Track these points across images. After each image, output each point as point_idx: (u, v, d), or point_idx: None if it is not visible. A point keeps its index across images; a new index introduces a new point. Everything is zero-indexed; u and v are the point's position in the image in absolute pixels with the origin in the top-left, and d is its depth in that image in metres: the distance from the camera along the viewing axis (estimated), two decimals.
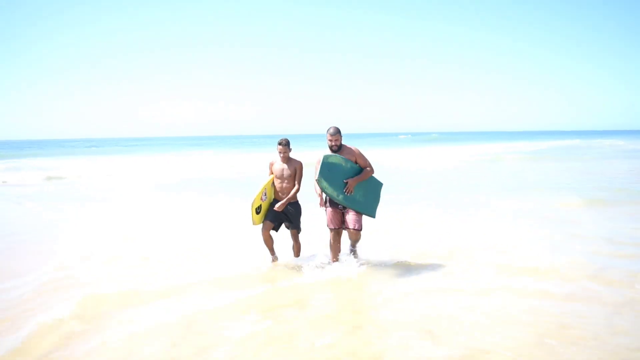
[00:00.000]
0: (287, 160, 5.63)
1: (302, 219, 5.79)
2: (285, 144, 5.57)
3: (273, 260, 5.82)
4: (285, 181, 5.63)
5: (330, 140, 5.27)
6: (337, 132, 5.28)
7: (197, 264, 6.05)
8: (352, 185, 5.21)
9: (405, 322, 4.08)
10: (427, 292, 4.80)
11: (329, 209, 5.39)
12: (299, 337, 3.87)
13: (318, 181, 5.12)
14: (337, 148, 5.28)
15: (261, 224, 5.71)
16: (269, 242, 5.76)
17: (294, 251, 5.95)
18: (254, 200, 5.49)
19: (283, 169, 5.63)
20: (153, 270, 5.77)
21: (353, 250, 5.60)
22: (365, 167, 5.39)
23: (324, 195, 5.40)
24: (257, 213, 5.57)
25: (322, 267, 5.52)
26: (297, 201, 5.77)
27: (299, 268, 5.60)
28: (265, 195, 5.66)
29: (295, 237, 5.87)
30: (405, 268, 5.57)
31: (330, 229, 5.44)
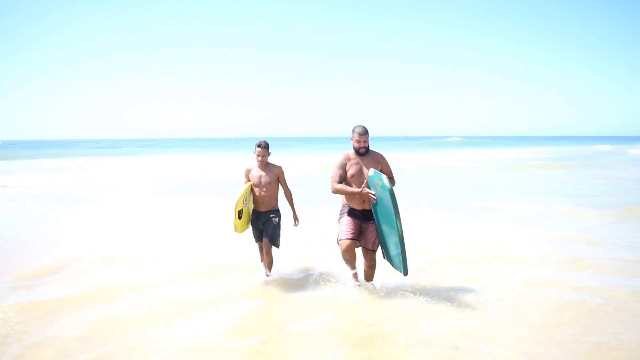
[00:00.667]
0: (266, 165, 5.14)
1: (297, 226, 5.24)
2: (264, 147, 5.09)
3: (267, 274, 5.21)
4: (264, 189, 5.08)
5: (358, 142, 4.51)
6: (366, 132, 4.54)
7: (196, 263, 5.98)
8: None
9: (425, 338, 3.77)
10: (442, 303, 4.52)
11: (348, 218, 4.61)
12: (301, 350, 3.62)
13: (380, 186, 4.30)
14: (365, 151, 4.54)
15: (243, 235, 5.20)
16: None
17: (265, 262, 5.16)
18: (237, 202, 4.93)
19: (261, 176, 5.09)
20: (152, 270, 5.69)
21: (368, 275, 4.80)
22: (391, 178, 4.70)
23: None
24: (239, 218, 5.03)
25: (324, 280, 5.10)
26: (279, 209, 5.20)
27: (301, 280, 5.20)
28: (246, 200, 5.12)
29: (267, 247, 5.06)
30: (419, 274, 5.28)
31: (344, 239, 4.56)
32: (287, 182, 5.23)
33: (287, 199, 5.26)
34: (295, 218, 5.23)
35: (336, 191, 4.60)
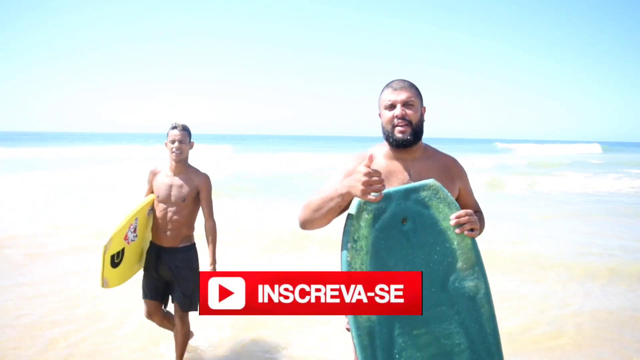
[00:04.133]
0: (183, 167, 3.10)
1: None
2: (182, 129, 3.05)
3: None
4: (174, 208, 3.04)
5: (392, 105, 1.84)
6: (412, 85, 1.87)
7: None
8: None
9: None
10: None
11: None
12: None
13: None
14: (410, 132, 1.82)
15: (115, 287, 3.06)
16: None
17: (175, 340, 3.15)
18: (111, 240, 2.83)
19: (172, 186, 3.05)
20: None
21: None
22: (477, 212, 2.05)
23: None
24: (115, 265, 2.91)
25: None
26: (193, 244, 3.18)
27: None
28: (135, 231, 3.04)
29: (181, 315, 3.10)
30: None
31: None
32: (211, 204, 3.12)
33: (206, 233, 3.12)
34: (213, 262, 3.02)
35: (304, 218, 1.78)
